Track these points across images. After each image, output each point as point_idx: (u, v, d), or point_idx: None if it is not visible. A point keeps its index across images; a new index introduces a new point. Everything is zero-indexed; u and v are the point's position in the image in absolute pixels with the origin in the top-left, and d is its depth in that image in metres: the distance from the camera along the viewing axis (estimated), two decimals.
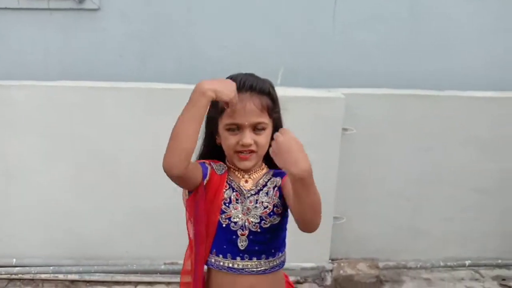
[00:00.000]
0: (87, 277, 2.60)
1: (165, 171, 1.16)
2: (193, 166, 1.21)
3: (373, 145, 2.62)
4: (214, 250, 1.29)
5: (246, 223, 1.26)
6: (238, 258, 1.27)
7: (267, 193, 1.28)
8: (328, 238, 2.66)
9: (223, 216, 1.27)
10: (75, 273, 2.59)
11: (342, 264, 2.64)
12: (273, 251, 1.29)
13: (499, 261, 2.82)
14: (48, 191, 2.57)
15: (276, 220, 1.27)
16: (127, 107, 2.51)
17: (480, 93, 2.69)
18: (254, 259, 1.27)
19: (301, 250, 2.28)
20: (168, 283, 2.60)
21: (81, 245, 2.63)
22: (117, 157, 2.55)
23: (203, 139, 1.34)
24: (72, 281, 2.60)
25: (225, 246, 1.27)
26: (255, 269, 1.27)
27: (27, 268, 2.56)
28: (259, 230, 1.26)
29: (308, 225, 1.15)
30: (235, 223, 1.26)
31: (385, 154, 2.65)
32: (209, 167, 1.28)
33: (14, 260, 2.62)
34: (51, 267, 2.56)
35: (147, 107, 2.49)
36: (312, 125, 2.45)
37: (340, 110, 2.48)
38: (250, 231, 1.26)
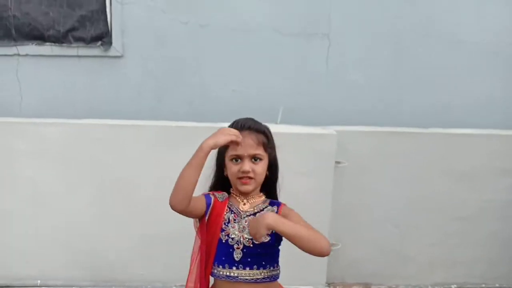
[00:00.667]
0: None
1: (170, 207, 1.48)
2: (195, 202, 1.50)
3: (363, 177, 2.93)
4: (216, 263, 1.56)
5: (241, 239, 1.54)
6: (234, 268, 1.53)
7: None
8: (324, 263, 2.92)
9: (223, 234, 1.55)
10: None
11: (337, 287, 2.90)
12: (263, 263, 1.54)
13: (483, 285, 3.06)
14: (72, 217, 2.87)
15: (267, 238, 1.50)
16: (145, 142, 2.84)
17: (459, 130, 3.02)
18: (247, 269, 1.53)
19: (299, 273, 2.55)
20: None
21: (100, 267, 2.91)
22: (135, 186, 2.85)
23: (214, 172, 1.66)
24: None
25: (223, 258, 1.54)
26: (248, 278, 1.53)
27: (53, 287, 2.85)
28: (251, 245, 1.52)
29: (313, 252, 1.42)
30: (232, 238, 1.54)
31: (374, 185, 2.95)
32: (212, 197, 1.58)
33: (39, 281, 2.92)
34: (74, 286, 2.85)
35: (162, 142, 2.82)
36: (308, 159, 2.78)
37: (333, 145, 2.80)
38: (244, 245, 1.53)
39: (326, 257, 2.84)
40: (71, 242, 2.90)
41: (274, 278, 1.58)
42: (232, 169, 1.55)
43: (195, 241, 1.64)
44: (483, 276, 3.10)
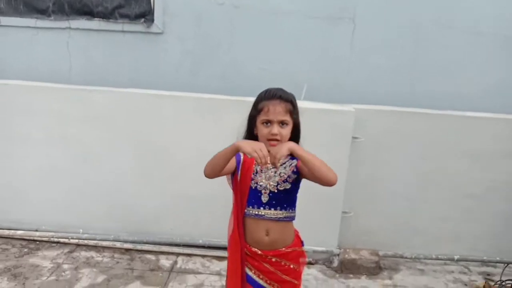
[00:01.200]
0: (139, 247, 3.25)
1: (205, 176, 1.84)
2: (227, 167, 1.81)
3: (378, 152, 3.20)
4: (247, 204, 1.89)
5: (268, 186, 1.87)
6: (262, 208, 1.87)
7: (284, 168, 1.89)
8: (337, 229, 3.24)
9: (253, 182, 1.88)
10: (130, 242, 3.26)
11: (347, 250, 3.20)
12: (285, 205, 1.89)
13: (485, 258, 3.31)
14: (113, 175, 3.25)
15: (288, 186, 1.87)
16: (181, 111, 3.17)
17: (470, 113, 3.25)
18: (272, 209, 1.87)
19: (314, 236, 2.84)
20: (204, 256, 3.23)
21: (135, 221, 3.30)
22: (170, 151, 3.20)
23: (245, 130, 1.95)
24: (127, 250, 3.26)
25: (253, 200, 1.88)
26: (272, 216, 1.87)
27: (93, 235, 3.25)
28: (276, 191, 1.86)
29: (323, 179, 1.73)
30: (260, 185, 1.87)
31: (388, 160, 3.22)
32: (242, 155, 1.89)
33: (81, 230, 3.32)
34: (112, 236, 3.24)
35: (196, 112, 3.15)
36: (327, 133, 3.06)
37: (351, 121, 3.08)
38: (270, 191, 1.87)
39: (339, 224, 3.19)
40: (111, 197, 3.29)
41: (291, 218, 1.92)
42: (263, 131, 1.83)
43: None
44: (486, 251, 3.34)
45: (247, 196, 1.91)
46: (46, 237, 3.29)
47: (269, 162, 1.70)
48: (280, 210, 1.88)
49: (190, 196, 3.22)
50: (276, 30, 3.37)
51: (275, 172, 1.88)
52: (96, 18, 3.39)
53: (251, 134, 1.93)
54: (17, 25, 3.44)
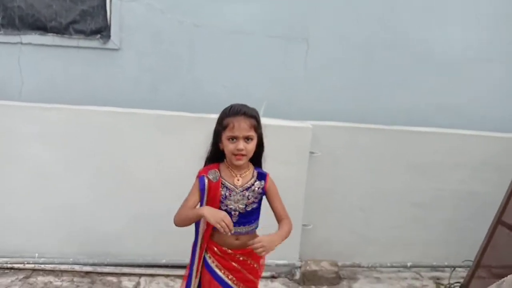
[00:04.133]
0: (99, 269, 3.29)
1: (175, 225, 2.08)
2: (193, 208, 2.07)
3: (334, 166, 3.49)
4: None
5: (237, 208, 2.06)
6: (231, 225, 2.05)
7: (253, 191, 2.08)
8: (298, 241, 3.46)
9: (222, 205, 2.06)
10: (90, 265, 3.29)
11: (308, 262, 3.43)
12: (252, 220, 2.11)
13: (434, 263, 3.68)
14: (70, 195, 3.28)
15: (255, 205, 2.10)
16: (140, 128, 3.27)
17: (419, 129, 3.62)
18: (241, 226, 2.08)
19: (276, 250, 3.05)
20: (167, 276, 3.32)
21: (95, 243, 3.34)
22: (129, 169, 3.29)
23: (211, 144, 2.12)
24: (87, 273, 3.28)
25: None
26: (242, 231, 2.09)
27: (50, 259, 3.26)
28: (244, 212, 2.07)
29: None
30: (231, 208, 2.06)
31: (344, 174, 3.51)
32: (206, 180, 2.05)
33: (37, 254, 3.30)
34: (70, 259, 3.27)
35: (156, 129, 3.26)
36: (286, 148, 3.28)
37: (308, 137, 3.34)
38: (239, 212, 2.07)
39: (299, 236, 3.43)
40: (69, 219, 3.31)
41: (257, 227, 2.17)
42: (228, 146, 2.01)
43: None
44: (435, 256, 3.72)
45: None
46: None
47: (232, 231, 1.96)
48: (248, 225, 2.12)
49: (151, 215, 3.31)
50: (236, 49, 3.56)
51: (243, 196, 2.07)
52: (49, 33, 3.42)
53: (216, 149, 2.10)
54: None
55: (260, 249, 1.94)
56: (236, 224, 2.07)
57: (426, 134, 3.62)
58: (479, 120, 3.80)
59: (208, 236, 2.12)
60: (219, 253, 2.12)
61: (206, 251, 2.15)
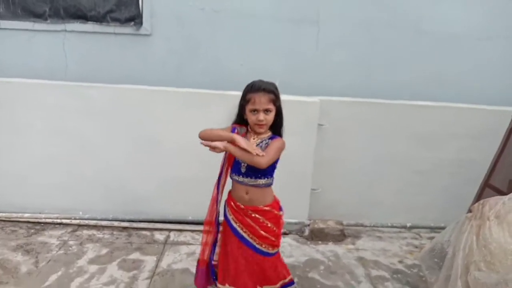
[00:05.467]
0: (135, 225, 3.89)
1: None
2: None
3: (340, 137, 3.94)
4: (232, 171, 2.54)
5: None
6: (241, 176, 2.50)
7: (261, 147, 2.47)
8: (307, 203, 3.98)
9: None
10: (127, 221, 3.90)
11: (316, 221, 3.93)
12: (259, 175, 2.45)
13: (432, 224, 4.12)
14: (109, 162, 3.87)
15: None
16: (169, 104, 3.80)
17: (419, 102, 4.02)
18: (248, 178, 2.48)
19: (288, 210, 3.43)
20: (193, 231, 3.89)
21: (130, 202, 3.93)
22: (160, 140, 3.83)
23: (236, 115, 2.53)
24: (124, 228, 3.89)
25: (236, 169, 2.51)
26: (248, 183, 2.49)
27: (93, 215, 3.87)
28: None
29: (254, 165, 2.34)
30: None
31: (349, 143, 3.97)
32: (236, 130, 2.49)
33: (81, 212, 3.94)
34: (111, 215, 3.87)
35: (183, 105, 3.78)
36: (297, 121, 3.70)
37: (317, 110, 3.80)
38: (247, 164, 2.44)
39: (308, 199, 3.91)
40: (107, 181, 3.91)
41: (267, 185, 2.53)
42: (251, 117, 2.41)
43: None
44: (434, 220, 4.16)
45: (232, 164, 2.55)
46: (50, 218, 3.88)
47: (258, 153, 2.30)
48: (255, 178, 2.47)
49: (179, 179, 3.88)
50: (252, 32, 4.03)
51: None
52: (89, 22, 3.97)
53: (241, 118, 2.51)
54: (15, 28, 3.98)
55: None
56: (244, 175, 2.47)
57: (426, 108, 4.00)
58: (477, 93, 4.16)
59: (228, 173, 2.53)
60: (234, 207, 2.51)
61: (226, 204, 2.59)
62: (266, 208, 2.53)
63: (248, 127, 2.53)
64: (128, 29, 4.01)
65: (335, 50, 4.15)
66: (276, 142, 2.45)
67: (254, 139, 2.51)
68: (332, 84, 4.12)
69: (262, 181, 2.50)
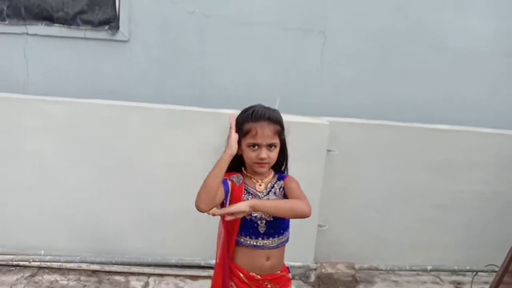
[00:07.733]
0: (107, 268, 3.30)
1: (197, 209, 1.75)
2: (218, 196, 1.79)
3: (351, 165, 3.46)
4: (242, 233, 1.95)
5: (263, 215, 1.90)
6: (260, 238, 1.93)
7: (275, 193, 1.97)
8: (313, 242, 3.46)
9: (247, 215, 1.87)
10: (97, 263, 3.31)
11: (324, 264, 3.42)
12: (281, 231, 1.96)
13: (455, 267, 3.65)
14: (75, 191, 3.30)
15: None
16: (149, 123, 3.27)
17: (438, 126, 3.58)
18: (271, 238, 1.96)
19: (290, 251, 3.04)
20: (176, 276, 3.33)
21: (101, 240, 3.35)
22: (136, 165, 3.29)
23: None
24: (94, 271, 3.29)
25: (250, 231, 1.94)
26: (270, 245, 1.96)
27: (57, 257, 3.28)
28: (271, 219, 1.91)
29: (297, 216, 1.81)
30: (255, 216, 1.90)
31: (361, 173, 3.49)
32: (230, 183, 1.90)
33: (43, 251, 3.33)
34: (77, 257, 3.28)
35: (165, 124, 3.25)
36: (302, 146, 3.25)
37: (326, 134, 3.31)
38: (266, 220, 1.93)
39: (314, 237, 3.41)
40: (73, 215, 3.33)
41: (288, 240, 2.03)
42: (249, 154, 1.87)
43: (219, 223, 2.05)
44: (456, 260, 3.69)
45: (238, 227, 1.96)
46: (4, 260, 3.27)
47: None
48: (278, 237, 1.97)
49: (160, 212, 3.33)
50: (248, 41, 3.57)
51: (268, 199, 1.92)
52: (56, 24, 3.44)
53: (235, 156, 1.88)
54: None
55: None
56: (265, 236, 1.94)
57: (446, 132, 3.58)
58: (503, 117, 3.78)
59: (234, 239, 1.96)
60: (245, 279, 1.98)
61: (230, 278, 2.02)
62: (282, 274, 2.03)
63: (244, 169, 2.00)
64: (102, 33, 3.50)
65: (342, 64, 3.71)
66: (293, 181, 1.98)
67: (260, 185, 1.97)
68: (338, 103, 3.69)
69: (285, 238, 2.01)
